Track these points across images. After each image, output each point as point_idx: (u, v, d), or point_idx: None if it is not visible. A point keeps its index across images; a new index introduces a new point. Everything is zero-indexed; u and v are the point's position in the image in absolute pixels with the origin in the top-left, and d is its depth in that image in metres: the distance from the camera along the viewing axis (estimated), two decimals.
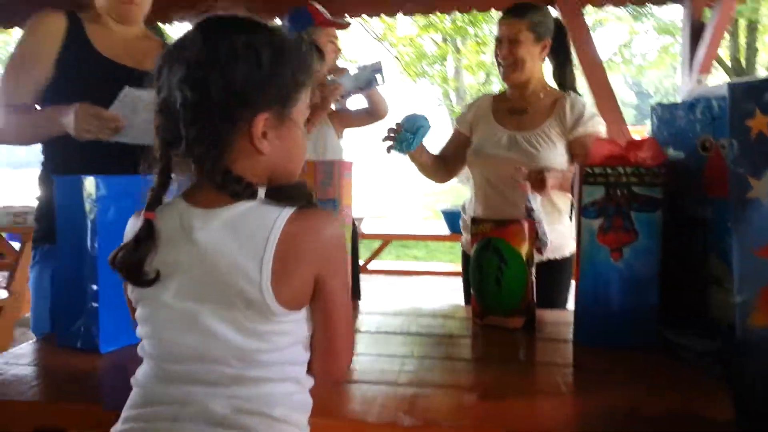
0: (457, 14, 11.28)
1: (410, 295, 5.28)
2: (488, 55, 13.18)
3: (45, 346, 1.23)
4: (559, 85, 2.01)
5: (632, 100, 32.05)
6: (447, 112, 15.04)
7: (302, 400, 0.84)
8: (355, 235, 1.88)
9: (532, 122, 1.90)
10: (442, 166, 2.05)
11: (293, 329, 0.81)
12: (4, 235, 3.86)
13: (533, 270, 1.31)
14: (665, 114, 1.25)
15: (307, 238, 0.78)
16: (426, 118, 1.79)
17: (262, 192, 0.80)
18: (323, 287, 0.81)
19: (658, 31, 12.31)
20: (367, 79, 2.18)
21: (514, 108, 1.96)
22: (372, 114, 2.40)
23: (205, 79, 0.76)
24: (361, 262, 4.43)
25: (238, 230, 0.77)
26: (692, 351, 1.10)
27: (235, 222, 0.78)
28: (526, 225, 1.30)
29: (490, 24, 11.79)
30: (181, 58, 0.78)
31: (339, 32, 2.32)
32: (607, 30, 12.40)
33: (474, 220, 1.36)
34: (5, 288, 3.44)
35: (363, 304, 1.57)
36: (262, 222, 0.77)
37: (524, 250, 1.29)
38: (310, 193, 0.82)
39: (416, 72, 12.91)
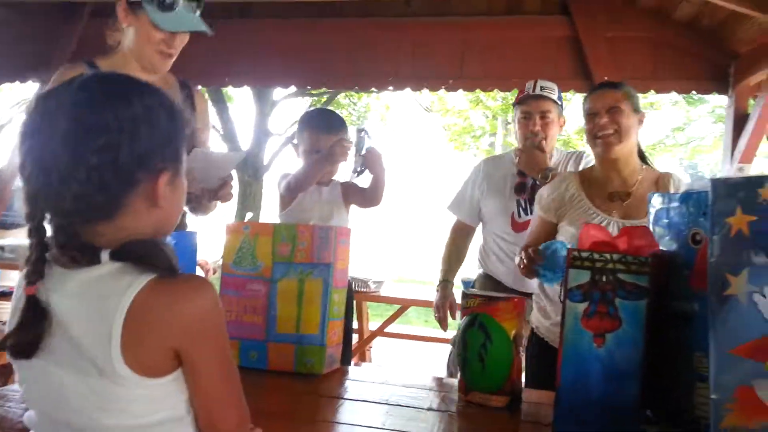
0: (507, 94, 11.52)
1: (423, 362, 5.18)
2: None
3: None
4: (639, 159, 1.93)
5: (687, 181, 31.67)
6: None
7: None
8: (350, 299, 1.88)
9: (639, 209, 1.77)
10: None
11: (158, 395, 0.78)
12: None
13: (520, 349, 1.30)
14: (661, 204, 1.25)
15: (161, 311, 0.75)
16: (563, 243, 1.64)
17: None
18: (188, 359, 0.78)
19: (715, 118, 12.20)
20: (359, 143, 2.13)
21: (615, 193, 1.87)
22: (368, 198, 2.25)
23: (113, 144, 0.75)
24: (377, 323, 4.38)
25: (90, 295, 0.76)
26: None
27: (89, 286, 0.76)
28: (515, 302, 1.30)
29: None
30: (78, 122, 0.76)
31: (389, 101, 2.37)
32: (662, 113, 12.34)
33: (464, 294, 1.36)
34: None
35: (353, 371, 1.56)
36: (115, 288, 0.74)
37: (511, 327, 1.28)
38: (171, 258, 0.78)
39: (462, 144, 13.08)
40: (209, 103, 2.01)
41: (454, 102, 12.30)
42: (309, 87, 5.92)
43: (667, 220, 1.23)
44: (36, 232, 0.77)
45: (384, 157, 2.10)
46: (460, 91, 4.60)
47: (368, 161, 2.08)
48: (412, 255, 14.79)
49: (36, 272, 0.77)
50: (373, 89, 5.75)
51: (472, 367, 1.30)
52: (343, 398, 1.33)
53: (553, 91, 2.37)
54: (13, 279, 4.25)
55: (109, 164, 0.75)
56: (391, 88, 4.60)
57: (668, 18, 3.99)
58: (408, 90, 4.60)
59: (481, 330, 1.29)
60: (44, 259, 0.78)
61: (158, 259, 0.77)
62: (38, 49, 4.72)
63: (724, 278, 0.95)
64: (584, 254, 1.17)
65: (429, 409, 1.28)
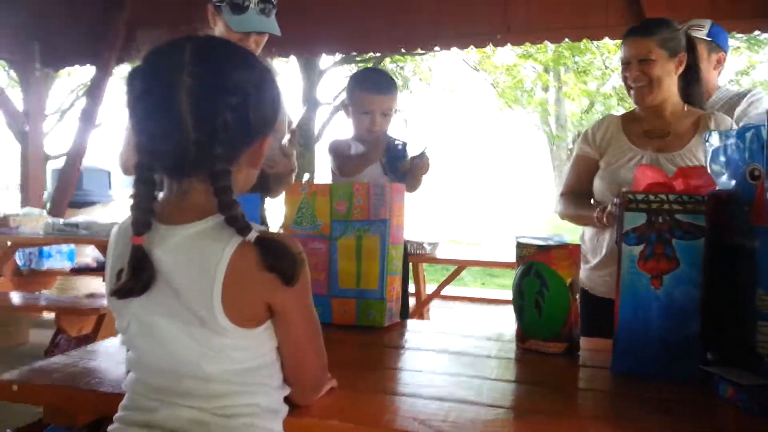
0: (558, 45, 11.17)
1: (482, 324, 5.22)
2: (593, 83, 12.89)
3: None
4: (685, 100, 1.90)
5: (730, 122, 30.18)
6: (546, 139, 14.79)
7: (271, 407, 0.88)
8: (406, 256, 1.91)
9: (675, 143, 1.81)
10: (588, 202, 1.93)
11: (253, 344, 0.86)
12: None
13: (577, 296, 1.31)
14: (718, 141, 1.23)
15: (255, 268, 0.81)
16: None
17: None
18: (280, 310, 0.85)
19: None
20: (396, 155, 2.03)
21: (652, 131, 1.87)
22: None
23: (245, 102, 0.82)
24: (433, 287, 4.42)
25: (193, 251, 0.82)
26: (733, 385, 1.06)
27: (191, 242, 0.82)
28: (570, 249, 1.31)
29: (593, 54, 11.54)
30: (214, 82, 0.81)
31: (437, 61, 2.28)
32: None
33: (518, 244, 1.38)
34: None
35: (411, 323, 1.61)
36: (215, 245, 0.81)
37: (568, 275, 1.30)
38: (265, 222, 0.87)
39: (512, 99, 12.83)
40: None
41: (502, 58, 12.05)
42: (354, 53, 5.89)
43: (724, 158, 1.21)
44: (145, 184, 0.83)
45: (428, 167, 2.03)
46: (508, 46, 4.51)
47: (415, 170, 2.01)
48: (464, 216, 14.75)
49: (144, 223, 0.82)
50: (419, 50, 5.68)
51: (528, 314, 1.33)
52: (405, 348, 1.38)
53: (655, 26, 1.91)
54: (89, 255, 4.50)
55: (241, 121, 0.82)
56: (437, 48, 4.56)
57: None
58: (455, 49, 4.56)
59: (537, 278, 1.31)
60: (152, 210, 0.83)
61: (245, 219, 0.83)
62: (91, 32, 4.88)
63: None
64: (639, 196, 1.17)
65: (488, 357, 1.31)
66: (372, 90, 2.10)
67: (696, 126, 1.84)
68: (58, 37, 5.02)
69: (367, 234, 1.48)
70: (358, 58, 10.02)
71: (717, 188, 1.21)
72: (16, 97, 5.75)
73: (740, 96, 2.35)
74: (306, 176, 8.48)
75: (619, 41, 2.15)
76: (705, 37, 2.30)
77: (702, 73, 1.94)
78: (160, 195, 0.87)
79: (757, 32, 4.11)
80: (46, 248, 4.16)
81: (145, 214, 0.83)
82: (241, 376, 0.85)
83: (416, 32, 4.40)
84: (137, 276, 0.82)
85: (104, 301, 3.72)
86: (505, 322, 5.14)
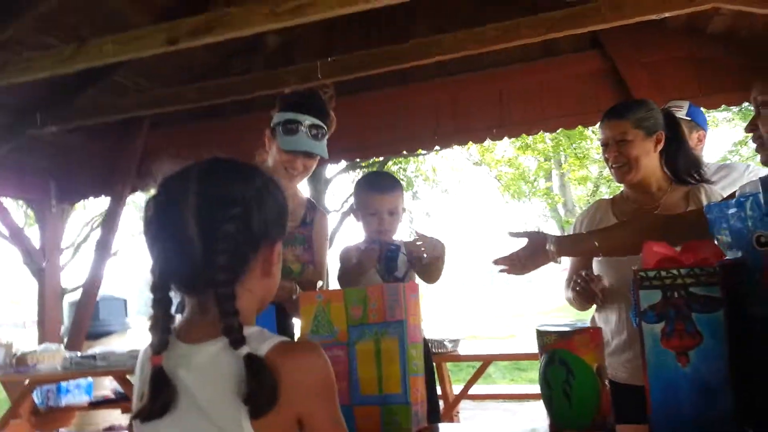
0: (556, 134, 11.48)
1: (514, 419, 5.01)
2: (594, 167, 13.11)
3: None
4: (672, 173, 1.93)
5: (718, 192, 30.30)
6: (556, 225, 14.86)
7: None
8: (429, 356, 1.89)
9: None
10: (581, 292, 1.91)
11: None
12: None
13: (606, 382, 1.28)
14: (719, 213, 1.24)
15: (285, 376, 0.81)
16: None
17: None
18: (307, 422, 0.84)
19: None
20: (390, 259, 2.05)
21: (641, 208, 1.90)
22: (423, 278, 2.24)
23: (248, 214, 0.86)
24: (460, 387, 4.28)
25: (216, 368, 0.82)
26: None
27: (213, 359, 0.83)
28: (591, 333, 1.29)
29: (591, 140, 11.84)
30: (214, 197, 0.86)
31: (439, 159, 2.41)
32: (720, 131, 12.05)
33: (539, 333, 1.36)
34: None
35: (443, 428, 1.56)
36: (233, 365, 0.81)
37: (593, 360, 1.27)
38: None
39: (517, 191, 13.03)
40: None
41: (502, 152, 12.37)
42: (358, 159, 6.08)
43: (726, 228, 1.22)
44: (162, 304, 0.85)
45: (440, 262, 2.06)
46: (506, 139, 4.65)
47: (414, 253, 2.04)
48: (482, 310, 14.54)
49: (162, 343, 0.84)
50: (420, 151, 5.86)
51: (558, 405, 1.29)
52: None
53: (628, 109, 1.96)
54: (107, 387, 4.43)
55: (243, 229, 0.85)
56: (437, 147, 4.70)
57: (703, 33, 3.96)
58: (454, 146, 4.70)
59: (562, 366, 1.28)
60: (169, 329, 0.85)
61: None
62: (105, 165, 5.09)
63: None
64: (651, 273, 1.17)
65: None
66: (376, 191, 2.17)
67: (686, 200, 1.86)
68: (73, 173, 5.23)
69: (385, 336, 1.47)
70: (362, 164, 10.33)
71: (726, 258, 1.21)
72: (32, 234, 5.91)
73: (725, 167, 2.40)
74: (320, 284, 8.44)
75: None
76: (684, 117, 2.39)
77: (684, 146, 1.97)
78: (179, 316, 0.89)
79: (746, 104, 4.21)
80: (63, 384, 4.12)
81: (162, 334, 0.84)
82: None
83: (416, 134, 4.56)
84: (156, 397, 0.82)
85: None
86: (538, 417, 4.91)
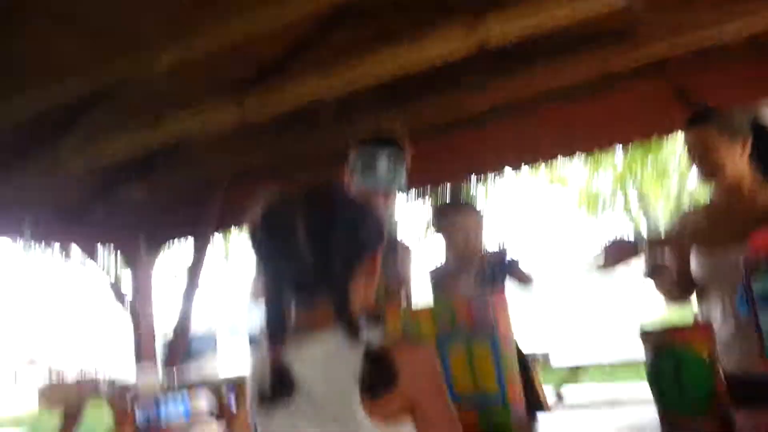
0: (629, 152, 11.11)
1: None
2: (674, 180, 12.63)
3: None
4: (765, 177, 1.87)
5: None
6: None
7: None
8: (526, 363, 1.88)
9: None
10: (678, 285, 1.92)
11: None
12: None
13: (721, 374, 1.21)
14: None
15: (399, 367, 0.88)
16: None
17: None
18: (419, 412, 0.89)
19: None
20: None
21: (733, 208, 1.84)
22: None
23: (354, 227, 0.98)
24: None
25: (329, 361, 0.89)
26: None
27: (325, 354, 0.90)
28: (701, 328, 1.24)
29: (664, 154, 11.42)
30: (339, 216, 0.97)
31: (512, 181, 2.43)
32: None
33: (643, 331, 1.31)
34: None
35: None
36: (349, 354, 0.88)
37: (703, 349, 1.21)
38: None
39: (593, 207, 12.69)
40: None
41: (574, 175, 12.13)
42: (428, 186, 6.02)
43: None
44: (275, 301, 0.96)
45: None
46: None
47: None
48: (569, 325, 14.05)
49: (278, 337, 0.94)
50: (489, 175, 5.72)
51: (671, 393, 1.23)
52: None
53: (710, 116, 1.91)
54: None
55: (351, 241, 0.96)
56: (507, 169, 4.65)
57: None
58: (524, 166, 4.63)
59: (671, 358, 1.22)
60: (285, 326, 0.94)
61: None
62: (187, 213, 5.29)
63: None
64: (763, 263, 1.11)
65: None
66: (458, 214, 2.23)
67: None
68: (161, 221, 5.47)
69: (476, 341, 1.43)
70: (429, 195, 10.31)
71: None
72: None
73: None
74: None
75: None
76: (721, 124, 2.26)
77: None
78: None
79: None
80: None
81: (279, 329, 0.94)
82: None
83: (485, 158, 4.53)
84: (278, 389, 0.90)
85: None
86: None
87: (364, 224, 0.99)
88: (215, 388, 3.75)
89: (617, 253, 1.91)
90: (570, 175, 12.19)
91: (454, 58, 2.57)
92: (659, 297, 1.97)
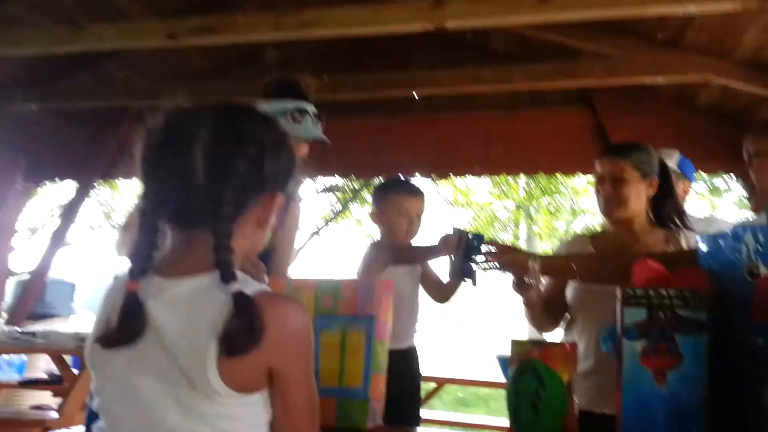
0: (531, 185, 11.64)
1: None
2: (561, 223, 13.29)
3: None
4: (658, 218, 1.95)
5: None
6: None
7: None
8: (415, 359, 1.89)
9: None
10: (548, 311, 1.92)
11: (245, 414, 0.77)
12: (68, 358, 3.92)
13: (575, 398, 1.24)
14: (711, 244, 1.23)
15: (265, 324, 0.75)
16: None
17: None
18: (280, 376, 0.78)
19: (739, 205, 12.20)
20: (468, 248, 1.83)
21: (622, 242, 1.90)
22: (440, 294, 2.35)
23: (261, 154, 0.82)
24: None
25: (191, 305, 0.76)
26: None
27: (190, 296, 0.77)
28: (569, 348, 1.25)
29: (563, 195, 12.02)
30: (233, 130, 0.83)
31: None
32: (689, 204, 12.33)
33: (513, 342, 1.32)
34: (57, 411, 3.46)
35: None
36: (215, 300, 0.75)
37: (564, 374, 1.23)
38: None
39: (488, 236, 13.13)
40: None
41: (477, 197, 12.46)
42: (339, 176, 6.00)
43: (719, 259, 1.20)
44: (147, 230, 0.80)
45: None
46: (483, 184, 4.67)
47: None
48: (438, 348, 14.44)
49: (141, 269, 0.79)
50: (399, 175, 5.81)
51: (525, 415, 1.24)
52: None
53: (631, 149, 1.95)
54: (41, 368, 4.21)
55: (254, 170, 0.81)
56: (417, 174, 4.69)
57: (690, 105, 4.08)
58: (434, 176, 4.70)
59: (534, 377, 1.24)
60: (151, 258, 0.80)
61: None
62: (79, 152, 4.93)
63: None
64: (639, 292, 1.14)
65: None
66: (409, 193, 2.20)
67: (666, 242, 1.88)
68: (45, 155, 5.03)
69: (352, 330, 1.41)
70: (337, 192, 10.31)
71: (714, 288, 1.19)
72: None
73: (707, 219, 2.45)
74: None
75: (587, 178, 2.23)
76: (673, 167, 2.42)
77: (673, 193, 2.00)
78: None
79: (720, 172, 4.32)
80: None
81: (143, 261, 0.79)
82: None
83: (397, 161, 4.54)
84: (125, 325, 0.76)
85: (51, 414, 3.43)
86: None
87: (275, 158, 0.85)
88: (61, 344, 3.41)
89: (447, 243, 1.90)
90: (474, 195, 12.50)
91: (409, 33, 2.63)
92: (525, 318, 1.98)
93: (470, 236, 1.76)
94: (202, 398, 0.74)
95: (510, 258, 1.63)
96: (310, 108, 1.93)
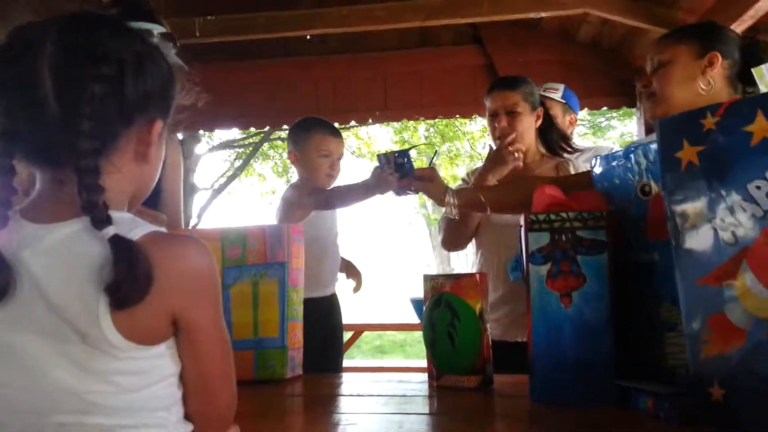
0: (430, 132, 11.81)
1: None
2: (461, 169, 13.66)
3: None
4: (546, 146, 2.03)
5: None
6: (424, 221, 15.30)
7: None
8: (337, 306, 1.92)
9: None
10: (459, 230, 1.97)
11: (149, 367, 0.70)
12: None
13: (488, 326, 1.28)
14: (603, 164, 1.28)
15: (155, 267, 0.67)
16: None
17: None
18: (185, 322, 0.71)
19: (620, 143, 12.97)
20: (403, 166, 1.78)
21: (515, 174, 1.93)
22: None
23: (120, 73, 0.70)
24: None
25: (72, 251, 0.67)
26: (652, 396, 1.05)
27: (70, 241, 0.68)
28: (479, 278, 1.28)
29: (461, 140, 12.30)
30: (83, 49, 0.70)
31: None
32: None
33: (426, 277, 1.33)
34: None
35: (320, 376, 1.49)
36: (95, 246, 0.67)
37: (476, 304, 1.26)
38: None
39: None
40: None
41: (380, 146, 12.49)
42: (238, 128, 5.80)
43: (612, 179, 1.25)
44: (4, 171, 0.68)
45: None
46: (386, 134, 4.68)
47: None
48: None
49: (1, 216, 0.68)
50: None
51: (441, 347, 1.27)
52: (306, 395, 1.26)
53: (519, 82, 2.03)
54: None
55: (113, 94, 0.70)
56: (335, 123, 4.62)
57: (573, 40, 4.25)
58: (336, 124, 4.63)
59: (448, 309, 1.26)
60: (10, 203, 0.69)
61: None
62: None
63: (683, 212, 0.97)
64: (541, 216, 1.18)
65: (402, 396, 1.23)
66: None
67: (557, 171, 1.97)
68: None
69: (264, 279, 1.37)
70: (236, 143, 9.98)
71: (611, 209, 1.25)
72: None
73: (593, 148, 2.59)
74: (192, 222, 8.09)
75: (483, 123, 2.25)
76: (559, 99, 2.52)
77: (556, 123, 2.09)
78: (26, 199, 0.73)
79: (604, 108, 4.57)
80: None
81: (1, 207, 0.68)
82: (133, 408, 0.69)
83: (294, 108, 4.44)
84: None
85: None
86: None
87: (139, 77, 0.72)
88: None
89: (381, 177, 1.78)
90: (376, 144, 12.52)
91: None
92: (444, 233, 2.03)
93: (396, 155, 1.73)
94: (99, 354, 0.67)
95: (429, 187, 1.63)
96: (158, 29, 1.57)
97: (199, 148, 9.47)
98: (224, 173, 10.15)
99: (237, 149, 10.29)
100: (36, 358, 0.67)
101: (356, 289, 2.41)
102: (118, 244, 0.66)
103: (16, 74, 0.68)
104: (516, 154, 1.86)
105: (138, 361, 0.69)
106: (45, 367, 0.67)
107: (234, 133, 9.43)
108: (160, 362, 0.72)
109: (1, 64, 0.69)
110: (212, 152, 9.98)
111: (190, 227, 1.96)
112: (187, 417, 0.76)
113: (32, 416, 0.68)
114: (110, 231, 0.66)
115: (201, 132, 7.62)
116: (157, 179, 0.83)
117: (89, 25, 0.72)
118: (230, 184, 9.97)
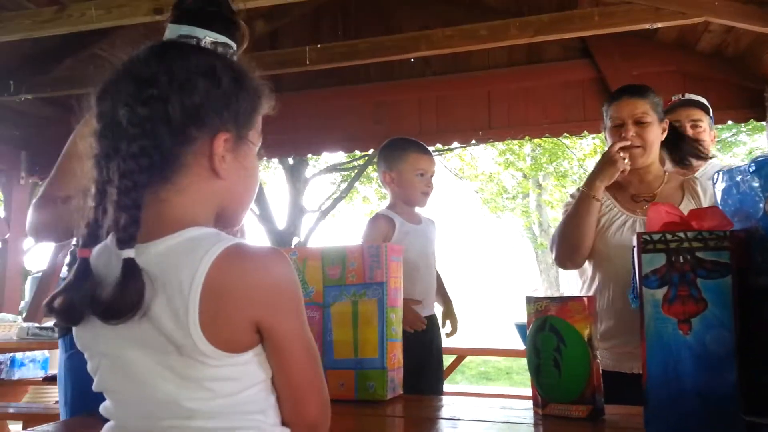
0: (536, 153, 11.52)
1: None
2: (571, 189, 13.22)
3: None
4: (676, 158, 1.89)
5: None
6: (530, 244, 14.90)
7: None
8: (436, 328, 1.96)
9: None
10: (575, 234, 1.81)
11: (240, 373, 0.73)
12: None
13: (596, 353, 1.20)
14: (726, 179, 1.18)
15: (238, 280, 0.71)
16: None
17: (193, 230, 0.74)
18: (270, 332, 0.74)
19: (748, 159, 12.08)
20: None
21: (638, 195, 1.82)
22: None
23: (161, 95, 0.74)
24: None
25: (165, 267, 0.71)
26: None
27: (162, 258, 0.71)
28: (587, 301, 1.21)
29: (568, 159, 11.91)
30: (132, 76, 0.75)
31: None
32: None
33: (529, 299, 1.28)
34: None
35: (420, 398, 1.47)
36: (188, 259, 0.70)
37: (584, 328, 1.19)
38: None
39: (497, 207, 13.03)
40: None
41: (483, 167, 12.37)
42: (341, 151, 5.94)
43: (738, 196, 1.15)
44: (97, 194, 0.73)
45: None
46: (489, 155, 4.62)
47: None
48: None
49: (92, 235, 0.73)
50: None
51: (546, 374, 1.21)
52: (406, 416, 1.24)
53: (647, 90, 1.86)
54: None
55: (160, 116, 0.73)
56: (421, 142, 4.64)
57: (691, 49, 4.00)
58: (438, 145, 4.63)
59: (553, 333, 1.20)
60: (99, 224, 0.73)
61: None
62: None
63: None
64: (656, 236, 1.09)
65: (504, 422, 1.18)
66: (426, 152, 2.22)
67: (682, 190, 1.81)
68: (47, 146, 5.01)
69: (363, 298, 1.37)
70: (342, 167, 10.25)
71: (735, 228, 1.14)
72: None
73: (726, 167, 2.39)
74: (295, 240, 8.36)
75: (596, 136, 2.13)
76: (708, 106, 2.34)
77: (685, 133, 1.94)
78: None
79: (729, 122, 4.25)
80: (18, 356, 3.91)
81: (93, 226, 0.73)
82: (228, 413, 0.73)
83: (400, 130, 4.49)
84: (74, 290, 0.71)
85: None
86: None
87: (186, 91, 0.74)
88: None
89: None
90: (479, 171, 12.39)
91: None
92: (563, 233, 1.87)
93: None
94: (193, 363, 0.70)
95: None
96: (208, 37, 1.46)
97: (308, 172, 9.81)
98: (330, 195, 10.41)
99: (342, 172, 10.54)
100: (142, 370, 0.72)
101: (450, 333, 2.34)
102: (126, 269, 0.69)
103: (104, 112, 0.76)
104: (626, 160, 1.74)
105: (229, 368, 0.72)
106: (150, 377, 0.72)
107: (340, 156, 9.67)
108: (250, 369, 0.74)
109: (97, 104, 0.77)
110: (319, 175, 10.30)
111: (294, 242, 2.03)
112: (284, 423, 0.78)
113: (145, 420, 0.74)
114: (126, 253, 0.70)
115: (309, 156, 7.88)
116: (251, 193, 0.85)
117: (151, 52, 0.78)
118: (336, 206, 10.22)
